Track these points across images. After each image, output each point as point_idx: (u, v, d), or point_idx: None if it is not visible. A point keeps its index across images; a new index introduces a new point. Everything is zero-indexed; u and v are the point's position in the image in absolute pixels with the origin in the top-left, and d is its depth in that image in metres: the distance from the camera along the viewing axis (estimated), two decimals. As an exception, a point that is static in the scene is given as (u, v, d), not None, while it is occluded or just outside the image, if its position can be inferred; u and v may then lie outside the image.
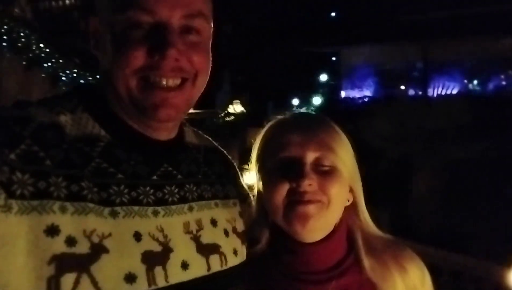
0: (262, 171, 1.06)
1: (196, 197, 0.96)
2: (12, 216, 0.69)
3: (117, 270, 0.77)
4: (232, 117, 8.68)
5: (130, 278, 0.77)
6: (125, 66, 0.83)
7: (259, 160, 1.08)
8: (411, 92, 17.85)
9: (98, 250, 0.75)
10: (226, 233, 1.00)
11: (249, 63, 18.52)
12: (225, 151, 1.18)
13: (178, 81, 0.87)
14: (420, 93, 17.39)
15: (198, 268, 0.89)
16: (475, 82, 17.74)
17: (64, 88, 9.27)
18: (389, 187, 9.29)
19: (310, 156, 1.01)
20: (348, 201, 1.08)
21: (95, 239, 0.75)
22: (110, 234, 0.77)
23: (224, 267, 0.95)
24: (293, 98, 25.53)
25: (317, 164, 1.01)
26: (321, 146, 1.01)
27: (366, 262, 1.05)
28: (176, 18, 0.85)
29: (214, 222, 0.98)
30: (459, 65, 15.89)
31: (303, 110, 1.19)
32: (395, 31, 16.60)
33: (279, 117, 1.14)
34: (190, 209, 0.93)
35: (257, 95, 20.95)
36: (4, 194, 0.68)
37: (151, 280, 0.80)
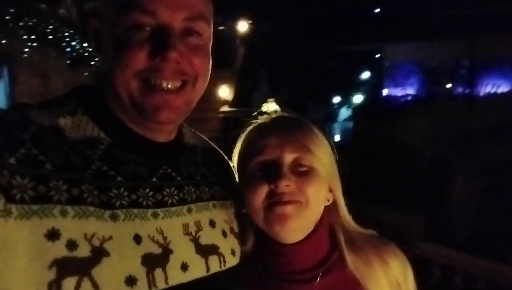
0: (242, 175, 1.07)
1: (195, 199, 0.97)
2: (12, 220, 0.68)
3: (118, 273, 0.77)
4: (265, 116, 8.66)
5: (131, 281, 0.78)
6: (126, 68, 0.83)
7: (240, 164, 1.08)
8: (458, 90, 17.20)
9: (99, 253, 0.75)
10: (224, 233, 1.01)
11: (289, 60, 18.43)
12: (221, 152, 1.19)
13: (178, 84, 0.88)
14: (467, 91, 16.72)
15: (198, 269, 0.90)
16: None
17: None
18: (426, 190, 9.03)
19: (288, 158, 1.01)
20: (328, 201, 1.09)
21: (96, 243, 0.76)
22: (110, 237, 0.78)
23: (223, 268, 0.96)
24: (334, 96, 25.28)
25: (295, 165, 1.02)
26: (298, 147, 1.02)
27: (349, 258, 1.06)
28: (177, 20, 0.85)
29: (212, 223, 0.99)
30: (509, 62, 15.14)
31: (281, 113, 1.17)
32: (440, 27, 16.04)
33: (258, 121, 1.14)
34: (189, 210, 0.94)
35: (297, 93, 20.85)
36: (4, 198, 0.69)
37: (151, 282, 0.80)
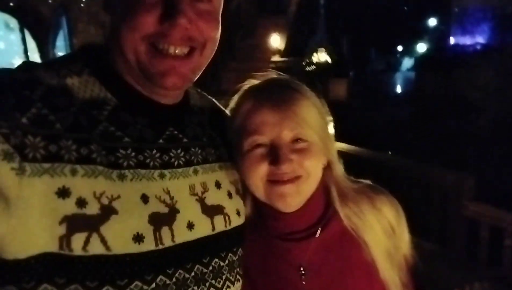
0: (239, 151, 1.04)
1: (201, 160, 0.99)
2: (25, 178, 0.70)
3: (126, 231, 0.79)
4: (313, 67, 8.34)
5: (138, 238, 0.80)
6: (134, 30, 0.83)
7: (235, 139, 1.06)
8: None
9: (107, 211, 0.78)
10: (229, 194, 1.03)
11: (349, 6, 17.62)
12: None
13: (186, 50, 0.87)
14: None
15: (203, 228, 0.92)
16: None
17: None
18: (483, 148, 8.49)
19: (287, 136, 1.00)
20: (324, 164, 1.08)
21: (105, 201, 0.78)
22: (119, 196, 0.80)
23: (228, 227, 0.98)
24: (397, 44, 24.04)
25: (293, 141, 1.00)
26: (296, 122, 0.99)
27: (342, 212, 1.08)
28: None
29: (218, 184, 1.00)
30: None
31: (274, 77, 1.11)
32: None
33: (249, 85, 1.10)
34: (195, 172, 0.96)
35: (358, 41, 20.03)
36: (18, 157, 0.70)
37: (158, 240, 0.83)
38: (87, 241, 0.74)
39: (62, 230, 0.72)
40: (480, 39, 16.85)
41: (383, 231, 1.10)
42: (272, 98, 1.01)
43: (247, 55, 9.46)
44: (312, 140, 1.01)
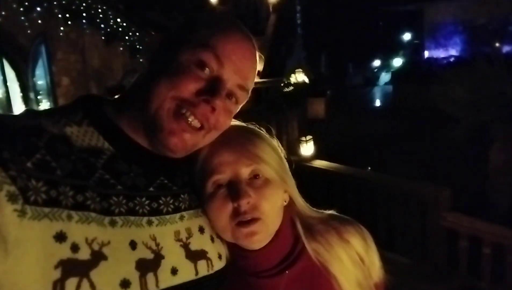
0: (203, 194, 1.08)
1: (187, 206, 1.03)
2: (26, 220, 0.73)
3: (114, 276, 0.82)
4: (291, 88, 8.46)
5: (125, 284, 0.82)
6: (173, 89, 0.90)
7: (198, 181, 1.10)
8: (506, 50, 16.25)
9: (98, 257, 0.80)
10: (212, 239, 1.05)
11: (326, 24, 17.93)
12: None
13: (198, 125, 0.94)
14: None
15: (187, 273, 0.95)
16: None
17: (141, 60, 9.80)
18: (459, 159, 8.66)
19: (244, 172, 1.04)
20: (285, 201, 1.12)
21: (96, 247, 0.80)
22: (109, 242, 0.82)
23: (211, 271, 1.01)
24: (373, 60, 24.46)
25: (251, 178, 1.05)
26: (251, 159, 1.04)
27: (309, 246, 1.11)
28: (232, 82, 0.95)
29: (201, 229, 1.04)
30: None
31: None
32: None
33: None
34: (181, 218, 1.00)
35: (335, 57, 20.35)
36: (22, 199, 0.73)
37: (143, 285, 0.85)
38: (78, 286, 0.76)
39: (57, 274, 0.75)
40: (453, 52, 17.33)
41: (352, 262, 1.11)
42: (226, 140, 1.06)
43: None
44: (269, 176, 1.06)
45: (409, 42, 19.75)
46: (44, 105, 8.04)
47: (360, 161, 7.78)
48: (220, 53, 0.92)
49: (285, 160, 1.14)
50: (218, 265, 1.04)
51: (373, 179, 5.99)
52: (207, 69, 0.92)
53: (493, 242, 4.69)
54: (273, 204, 1.06)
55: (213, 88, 0.91)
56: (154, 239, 0.91)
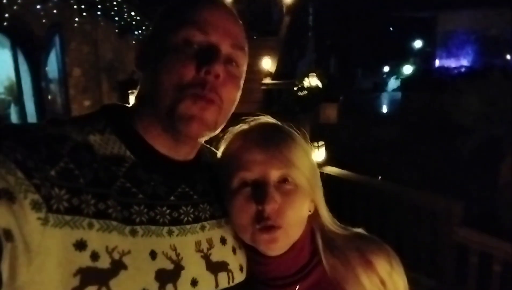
0: (227, 189, 1.05)
1: (209, 216, 1.01)
2: (48, 228, 0.73)
3: (133, 286, 0.81)
4: (305, 92, 8.39)
5: None
6: (174, 77, 0.88)
7: (223, 176, 1.07)
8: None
9: (118, 266, 0.80)
10: (234, 250, 1.04)
11: (338, 28, 17.88)
12: None
13: (213, 96, 0.91)
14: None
15: (207, 285, 0.94)
16: None
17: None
18: (471, 172, 8.57)
19: (274, 175, 1.00)
20: (310, 211, 1.07)
21: (116, 256, 0.80)
22: (129, 252, 0.82)
23: (231, 284, 0.99)
24: (383, 66, 24.38)
25: (280, 181, 1.01)
26: (283, 163, 1.00)
27: (327, 262, 1.06)
28: (225, 45, 0.92)
29: (223, 240, 1.02)
30: None
31: (264, 120, 1.12)
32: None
33: (240, 127, 1.10)
34: (203, 228, 0.98)
35: (346, 62, 20.29)
36: (45, 207, 0.73)
37: None
38: None
39: (75, 282, 0.75)
40: (464, 62, 17.25)
41: (371, 285, 1.06)
42: (261, 138, 1.03)
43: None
44: (299, 182, 1.01)
45: (420, 49, 19.67)
46: (55, 94, 8.05)
47: (369, 168, 7.71)
48: (200, 23, 0.90)
49: (317, 168, 1.09)
50: (239, 277, 1.02)
51: (383, 188, 5.92)
52: (195, 44, 0.89)
53: (504, 260, 4.64)
54: (298, 213, 1.02)
55: (208, 57, 0.88)
56: (174, 249, 0.89)
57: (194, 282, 0.91)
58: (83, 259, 0.76)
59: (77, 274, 0.75)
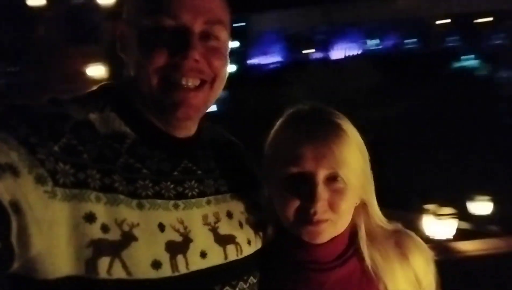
0: (273, 178, 1.02)
1: (214, 191, 1.02)
2: (56, 202, 0.75)
3: (145, 257, 0.83)
4: None
5: (156, 264, 0.84)
6: (148, 65, 0.88)
7: (269, 166, 1.04)
8: (318, 55, 18.41)
9: (128, 237, 0.82)
10: (240, 224, 1.04)
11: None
12: (240, 143, 1.23)
13: (197, 82, 0.91)
14: (326, 56, 18.00)
15: (216, 257, 0.95)
16: (374, 42, 18.70)
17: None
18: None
19: (323, 173, 0.97)
20: (356, 203, 1.06)
21: (126, 228, 0.82)
22: (138, 224, 0.83)
23: (240, 256, 1.00)
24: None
25: (329, 179, 0.98)
26: (334, 161, 0.97)
27: (366, 252, 1.07)
28: (198, 23, 0.90)
29: (230, 215, 1.03)
30: (359, 27, 16.60)
31: (316, 106, 1.06)
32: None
33: (293, 110, 1.05)
34: (208, 202, 0.99)
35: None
36: (51, 181, 0.75)
37: (174, 267, 0.86)
38: (110, 266, 0.78)
39: (88, 253, 0.77)
40: (275, 58, 18.90)
41: (405, 280, 1.07)
42: (312, 132, 0.98)
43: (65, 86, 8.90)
44: (348, 181, 0.99)
45: (237, 49, 20.87)
46: None
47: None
48: (169, 7, 0.89)
49: (368, 162, 1.07)
50: (247, 250, 1.04)
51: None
52: (166, 29, 0.89)
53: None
54: (346, 209, 1.01)
55: (181, 42, 0.88)
56: (181, 222, 0.91)
57: (203, 254, 0.92)
58: (94, 231, 0.78)
59: (90, 246, 0.77)
